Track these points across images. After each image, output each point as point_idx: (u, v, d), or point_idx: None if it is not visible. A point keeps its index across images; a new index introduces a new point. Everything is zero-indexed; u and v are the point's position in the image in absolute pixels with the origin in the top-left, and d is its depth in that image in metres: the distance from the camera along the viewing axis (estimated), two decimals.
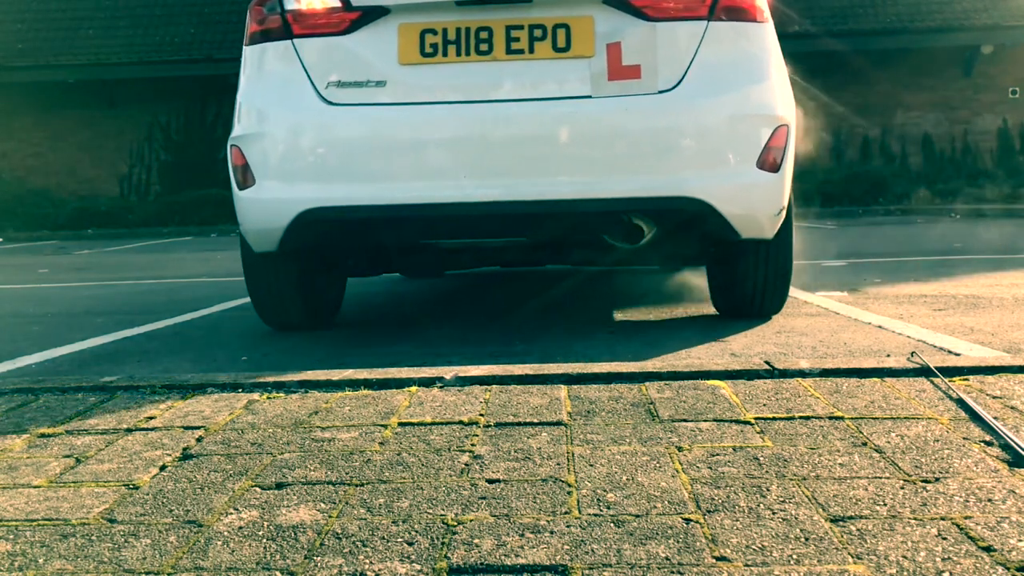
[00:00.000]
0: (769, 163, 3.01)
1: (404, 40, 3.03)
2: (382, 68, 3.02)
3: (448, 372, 2.28)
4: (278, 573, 1.21)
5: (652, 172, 2.96)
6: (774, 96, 3.09)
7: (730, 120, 3.01)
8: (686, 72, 2.98)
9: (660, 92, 2.97)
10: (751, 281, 3.45)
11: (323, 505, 1.45)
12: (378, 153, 3.02)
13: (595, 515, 1.37)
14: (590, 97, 2.96)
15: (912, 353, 2.36)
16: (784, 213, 3.18)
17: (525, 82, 2.99)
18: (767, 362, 2.30)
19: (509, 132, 2.99)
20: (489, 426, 1.86)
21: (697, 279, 5.10)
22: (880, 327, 3.35)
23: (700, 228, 3.20)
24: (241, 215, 3.25)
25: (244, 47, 3.30)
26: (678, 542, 1.26)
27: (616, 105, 2.95)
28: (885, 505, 1.37)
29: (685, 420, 1.86)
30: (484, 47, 2.99)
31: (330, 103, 3.04)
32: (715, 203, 2.96)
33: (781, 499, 1.41)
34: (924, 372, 2.18)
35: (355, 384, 2.25)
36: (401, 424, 1.89)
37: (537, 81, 2.99)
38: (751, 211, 3.05)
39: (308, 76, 3.07)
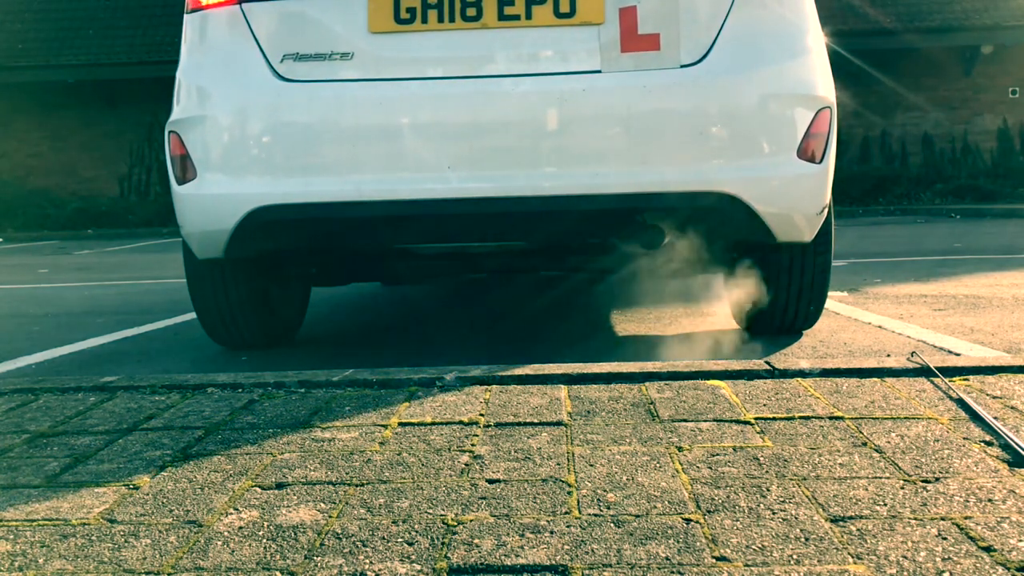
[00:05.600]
0: (811, 152, 2.60)
1: (375, 4, 2.58)
2: (348, 38, 2.59)
3: (448, 372, 2.28)
4: (278, 573, 1.21)
5: (673, 162, 2.54)
6: (815, 73, 2.65)
7: (766, 101, 2.58)
8: (713, 43, 2.55)
9: (683, 67, 2.54)
10: (783, 293, 3.02)
11: (323, 505, 1.45)
12: (343, 139, 2.57)
13: (595, 515, 1.37)
14: (599, 72, 2.53)
15: (912, 353, 2.36)
16: (826, 212, 2.80)
17: (521, 54, 2.56)
18: (767, 362, 2.30)
19: (502, 114, 2.55)
20: (489, 426, 1.86)
21: (699, 277, 5.10)
22: (880, 327, 3.35)
23: (729, 230, 2.82)
24: (181, 215, 2.82)
25: (184, 15, 2.85)
26: (678, 542, 1.26)
27: (630, 82, 2.53)
28: (885, 505, 1.37)
29: (685, 420, 1.86)
30: (472, 12, 2.55)
31: (286, 80, 2.60)
32: (749, 200, 2.55)
33: (781, 499, 1.41)
34: (924, 372, 2.18)
35: (355, 384, 2.25)
36: (401, 424, 1.89)
37: (536, 53, 2.56)
38: (790, 209, 2.65)
39: (259, 48, 2.63)
